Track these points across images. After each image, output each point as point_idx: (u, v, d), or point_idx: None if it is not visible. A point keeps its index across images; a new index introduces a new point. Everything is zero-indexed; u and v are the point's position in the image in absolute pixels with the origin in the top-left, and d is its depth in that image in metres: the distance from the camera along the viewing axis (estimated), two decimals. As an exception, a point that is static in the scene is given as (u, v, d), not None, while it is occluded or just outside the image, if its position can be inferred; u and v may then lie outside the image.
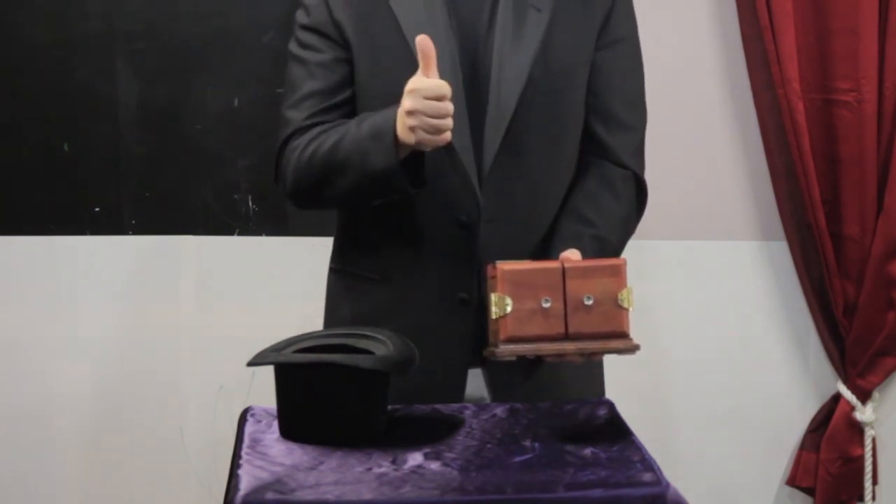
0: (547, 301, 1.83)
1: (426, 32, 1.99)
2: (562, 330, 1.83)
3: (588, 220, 2.07)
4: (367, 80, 2.07)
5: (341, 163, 2.01)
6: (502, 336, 1.84)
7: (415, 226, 2.08)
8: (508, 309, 1.83)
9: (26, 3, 2.97)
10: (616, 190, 2.11)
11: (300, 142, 2.07)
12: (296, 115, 2.09)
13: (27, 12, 2.97)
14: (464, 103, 2.03)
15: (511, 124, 2.04)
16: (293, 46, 2.14)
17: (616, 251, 2.09)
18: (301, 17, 2.13)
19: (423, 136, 1.90)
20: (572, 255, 1.96)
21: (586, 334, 1.84)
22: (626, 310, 1.85)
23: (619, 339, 1.85)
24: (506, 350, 1.83)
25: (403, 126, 1.91)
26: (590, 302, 1.83)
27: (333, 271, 2.22)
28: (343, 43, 2.08)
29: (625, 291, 1.84)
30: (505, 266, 1.84)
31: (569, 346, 1.83)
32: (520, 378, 2.08)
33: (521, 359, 1.88)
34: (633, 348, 1.85)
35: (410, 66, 1.96)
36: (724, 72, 3.08)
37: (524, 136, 2.05)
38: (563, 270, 1.84)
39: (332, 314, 2.22)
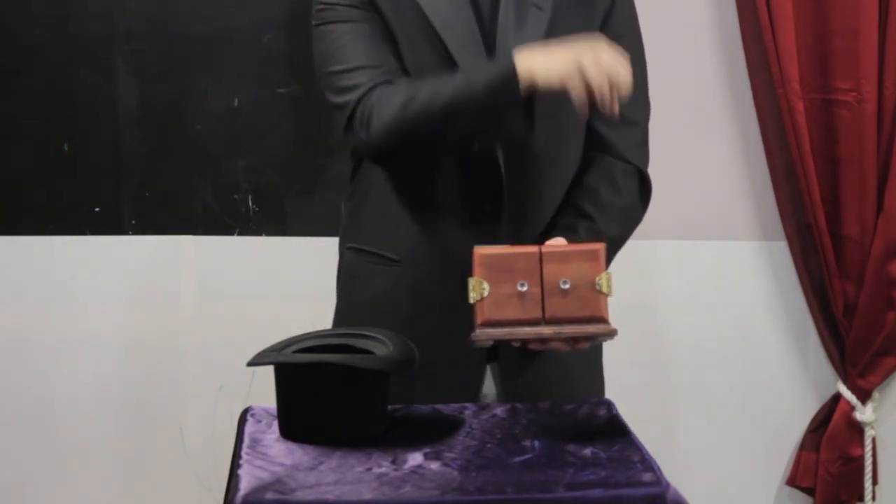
0: (523, 285, 1.82)
1: (456, 31, 2.00)
2: (539, 314, 1.82)
3: (585, 213, 2.07)
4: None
5: (452, 94, 1.96)
6: (479, 320, 1.83)
7: (440, 209, 2.08)
8: (485, 293, 1.82)
9: (26, 3, 2.97)
10: (616, 183, 2.11)
11: (391, 89, 2.00)
12: (367, 74, 2.03)
13: (27, 12, 2.97)
14: None
15: None
16: (327, 14, 2.08)
17: (615, 243, 2.09)
18: None
19: (595, 79, 1.87)
20: (557, 241, 1.96)
21: (563, 318, 1.82)
22: (605, 294, 1.83)
23: (597, 324, 1.83)
24: (482, 334, 1.82)
25: (552, 65, 1.88)
26: (566, 286, 1.82)
27: (352, 250, 2.18)
28: (384, 20, 2.06)
29: (603, 276, 1.83)
30: (482, 250, 1.84)
31: (546, 330, 1.82)
32: (528, 372, 2.08)
33: (503, 344, 1.87)
34: (611, 333, 1.84)
35: (441, 63, 2.00)
36: (724, 72, 3.08)
37: (533, 139, 2.04)
38: (541, 255, 1.84)
39: (348, 295, 2.20)
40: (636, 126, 2.15)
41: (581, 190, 2.11)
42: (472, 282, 1.83)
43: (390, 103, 1.99)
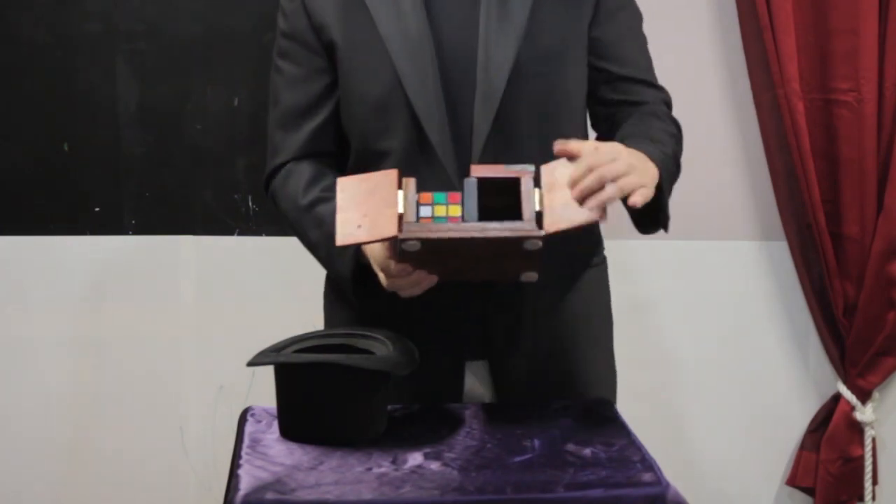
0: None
1: (398, 24, 1.99)
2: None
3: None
4: (346, 78, 2.05)
5: (308, 243, 2.08)
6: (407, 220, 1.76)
7: None
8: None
9: (26, 3, 2.97)
10: (656, 112, 2.08)
11: (287, 176, 2.07)
12: (283, 141, 2.09)
13: (27, 12, 2.97)
14: (441, 95, 1.99)
15: (500, 109, 1.99)
16: (274, 53, 2.12)
17: (664, 148, 1.98)
18: (280, 22, 2.11)
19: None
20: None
21: (493, 224, 1.75)
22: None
23: (525, 229, 1.74)
24: (408, 233, 1.75)
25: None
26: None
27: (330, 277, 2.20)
28: (323, 49, 2.05)
29: (537, 191, 1.77)
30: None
31: (474, 232, 1.74)
32: (523, 370, 2.08)
33: (427, 247, 1.78)
34: (537, 237, 1.73)
35: (383, 62, 1.98)
36: (724, 72, 3.08)
37: (515, 122, 2.01)
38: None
39: (330, 318, 2.20)
40: (657, 88, 2.14)
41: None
42: (405, 182, 1.78)
43: (284, 197, 2.08)
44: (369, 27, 2.02)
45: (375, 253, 1.88)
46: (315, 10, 2.05)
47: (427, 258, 1.80)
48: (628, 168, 1.76)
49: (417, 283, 1.86)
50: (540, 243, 1.74)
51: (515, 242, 1.74)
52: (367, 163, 2.04)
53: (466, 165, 1.97)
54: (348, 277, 1.97)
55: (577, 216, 1.75)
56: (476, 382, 2.09)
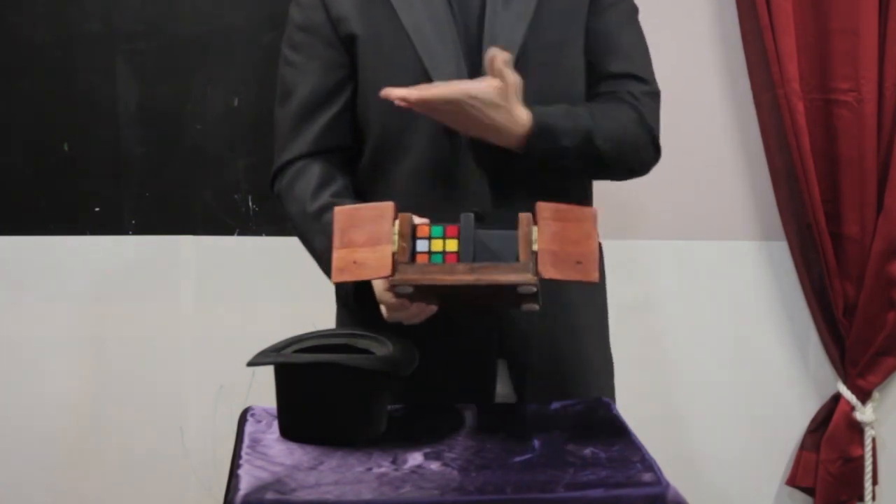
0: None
1: (422, 14, 1.98)
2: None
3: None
4: (368, 70, 2.03)
5: (313, 249, 2.06)
6: (400, 259, 1.73)
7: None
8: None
9: (26, 3, 2.97)
10: (609, 106, 2.04)
11: (296, 176, 2.05)
12: (293, 137, 2.06)
13: (27, 12, 2.97)
14: None
15: None
16: (285, 46, 2.10)
17: (588, 129, 1.97)
18: (295, 14, 2.08)
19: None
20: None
21: (485, 266, 1.72)
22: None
23: (519, 273, 1.71)
24: (399, 279, 1.72)
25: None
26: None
27: None
28: (341, 42, 2.04)
29: (534, 228, 1.74)
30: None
31: (466, 276, 1.71)
32: (541, 368, 2.08)
33: (425, 292, 1.76)
34: (531, 283, 1.70)
35: (408, 53, 1.97)
36: (724, 72, 3.08)
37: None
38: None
39: (342, 321, 2.20)
40: (641, 81, 2.09)
41: None
42: (397, 226, 1.75)
43: (291, 199, 2.06)
44: (391, 18, 2.01)
45: (375, 284, 1.88)
46: (334, 3, 2.04)
47: (423, 295, 1.78)
48: (474, 121, 1.86)
49: (416, 314, 1.85)
50: (534, 288, 1.71)
51: (509, 287, 1.72)
52: (385, 158, 2.03)
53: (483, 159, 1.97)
54: (351, 291, 1.97)
55: (572, 272, 1.72)
56: (498, 381, 2.10)
